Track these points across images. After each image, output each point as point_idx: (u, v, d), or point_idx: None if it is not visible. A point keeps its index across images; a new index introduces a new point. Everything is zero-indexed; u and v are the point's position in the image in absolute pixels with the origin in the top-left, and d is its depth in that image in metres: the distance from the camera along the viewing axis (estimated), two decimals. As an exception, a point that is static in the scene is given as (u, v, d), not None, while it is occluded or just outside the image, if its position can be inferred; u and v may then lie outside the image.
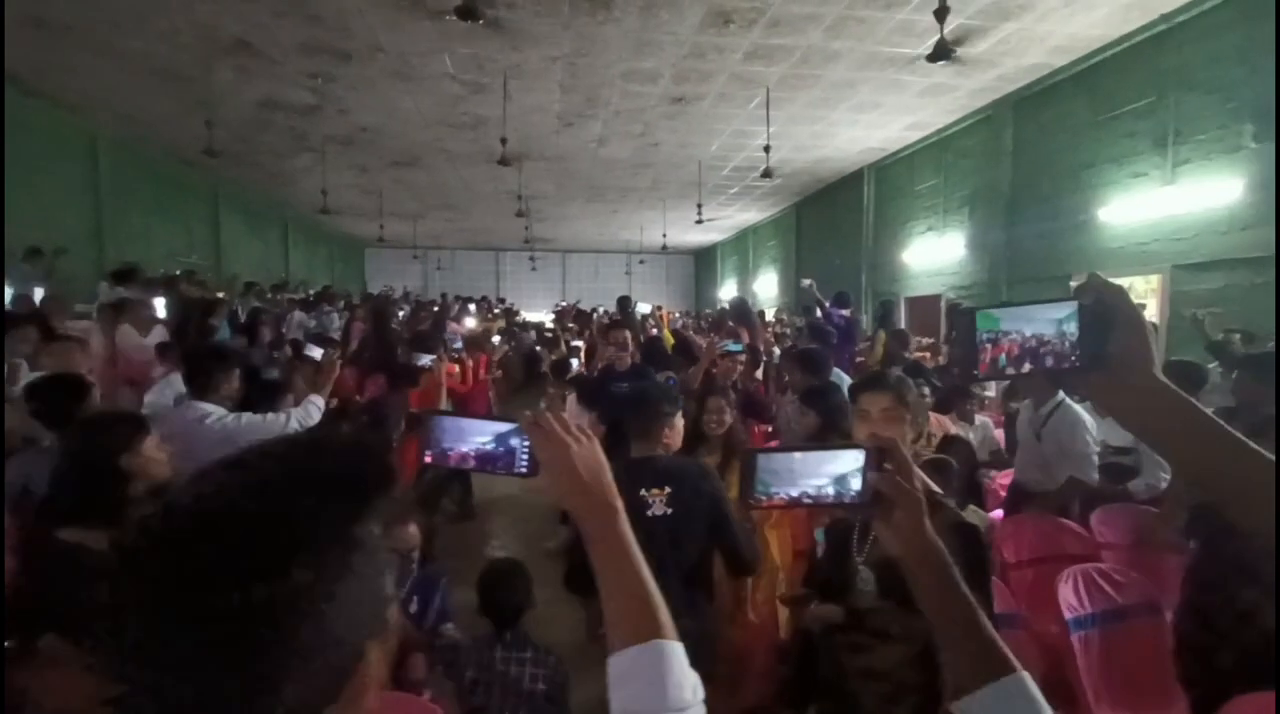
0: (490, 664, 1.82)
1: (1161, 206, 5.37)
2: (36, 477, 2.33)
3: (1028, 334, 0.69)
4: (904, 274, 9.26)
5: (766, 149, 7.36)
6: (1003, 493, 3.26)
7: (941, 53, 3.95)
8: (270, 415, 2.65)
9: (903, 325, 8.54)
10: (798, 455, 0.76)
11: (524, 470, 0.80)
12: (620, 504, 0.80)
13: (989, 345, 0.68)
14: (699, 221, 10.72)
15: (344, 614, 0.46)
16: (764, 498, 0.76)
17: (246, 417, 2.58)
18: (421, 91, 6.74)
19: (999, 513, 2.98)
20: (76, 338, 4.11)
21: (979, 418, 4.01)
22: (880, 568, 1.60)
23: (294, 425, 2.65)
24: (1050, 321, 0.68)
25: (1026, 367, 0.69)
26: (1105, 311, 0.66)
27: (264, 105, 7.16)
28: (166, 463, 1.76)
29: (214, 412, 2.52)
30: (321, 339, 5.20)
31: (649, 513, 1.94)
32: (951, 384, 3.77)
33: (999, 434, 4.23)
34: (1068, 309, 0.67)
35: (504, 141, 6.82)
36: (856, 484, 0.75)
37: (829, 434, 2.51)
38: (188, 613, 0.42)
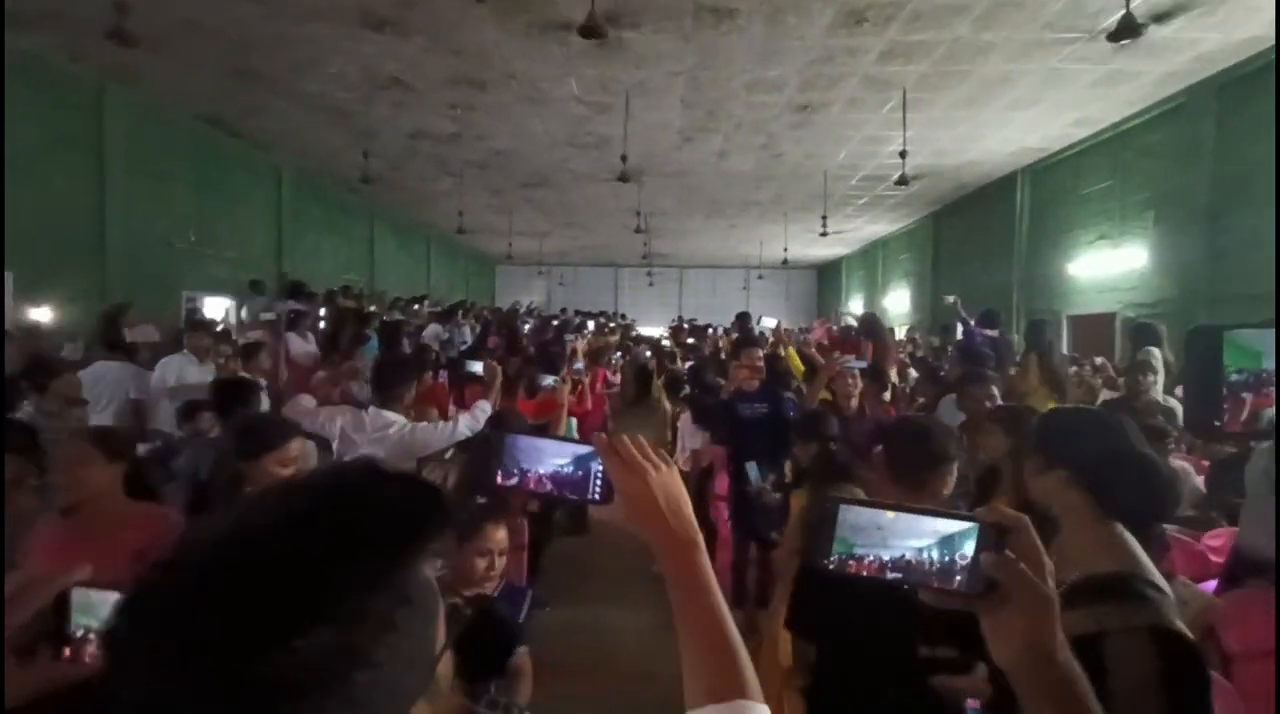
0: None
1: None
2: (203, 466, 2.64)
3: None
4: (1067, 289, 8.13)
5: (903, 155, 6.81)
6: (1214, 557, 2.63)
7: (1127, 30, 3.36)
8: (441, 423, 2.78)
9: (1065, 347, 7.51)
10: (890, 514, 0.60)
11: (598, 497, 0.73)
12: (700, 539, 0.70)
13: (1243, 393, 0.46)
14: (823, 234, 10.21)
15: (384, 678, 0.38)
16: (849, 560, 0.60)
17: (421, 426, 2.73)
18: (549, 114, 7.02)
19: (1212, 584, 2.38)
20: (262, 345, 4.73)
21: (1176, 461, 3.31)
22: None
23: (463, 431, 2.75)
24: None
25: None
26: None
27: (413, 136, 7.85)
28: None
29: (396, 421, 2.68)
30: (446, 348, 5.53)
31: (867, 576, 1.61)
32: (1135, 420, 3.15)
33: (1200, 481, 3.48)
34: None
35: (624, 159, 6.90)
36: (964, 560, 0.58)
37: (1018, 460, 2.14)
38: (187, 683, 0.35)
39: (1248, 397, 0.42)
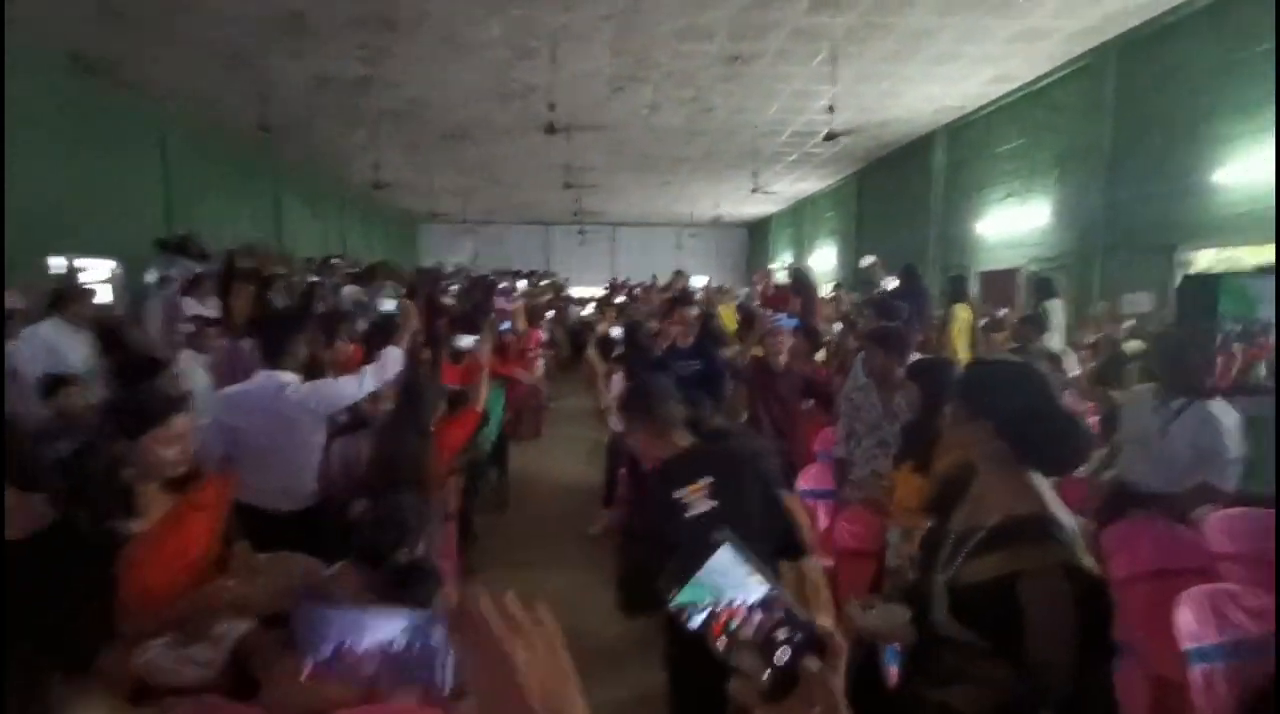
0: None
1: (1297, 163, 4.63)
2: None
3: None
4: (977, 246, 8.56)
5: (830, 110, 6.84)
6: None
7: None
8: (345, 377, 2.55)
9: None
10: (757, 581, 0.54)
11: (446, 685, 0.57)
12: None
13: (1235, 344, 0.42)
14: (754, 191, 10.25)
15: None
16: (690, 606, 0.52)
17: (323, 382, 2.52)
18: (469, 59, 6.56)
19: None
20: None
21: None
22: (957, 589, 1.33)
23: (370, 384, 2.53)
24: None
25: None
26: None
27: (317, 81, 7.16)
28: (176, 459, 1.66)
29: (290, 380, 2.47)
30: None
31: (688, 516, 1.67)
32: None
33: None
34: None
35: (552, 107, 6.58)
36: (790, 644, 0.54)
37: (932, 413, 2.23)
38: None
39: (1239, 348, 0.37)
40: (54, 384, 2.62)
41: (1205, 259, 5.64)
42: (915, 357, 3.29)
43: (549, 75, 6.53)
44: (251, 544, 2.17)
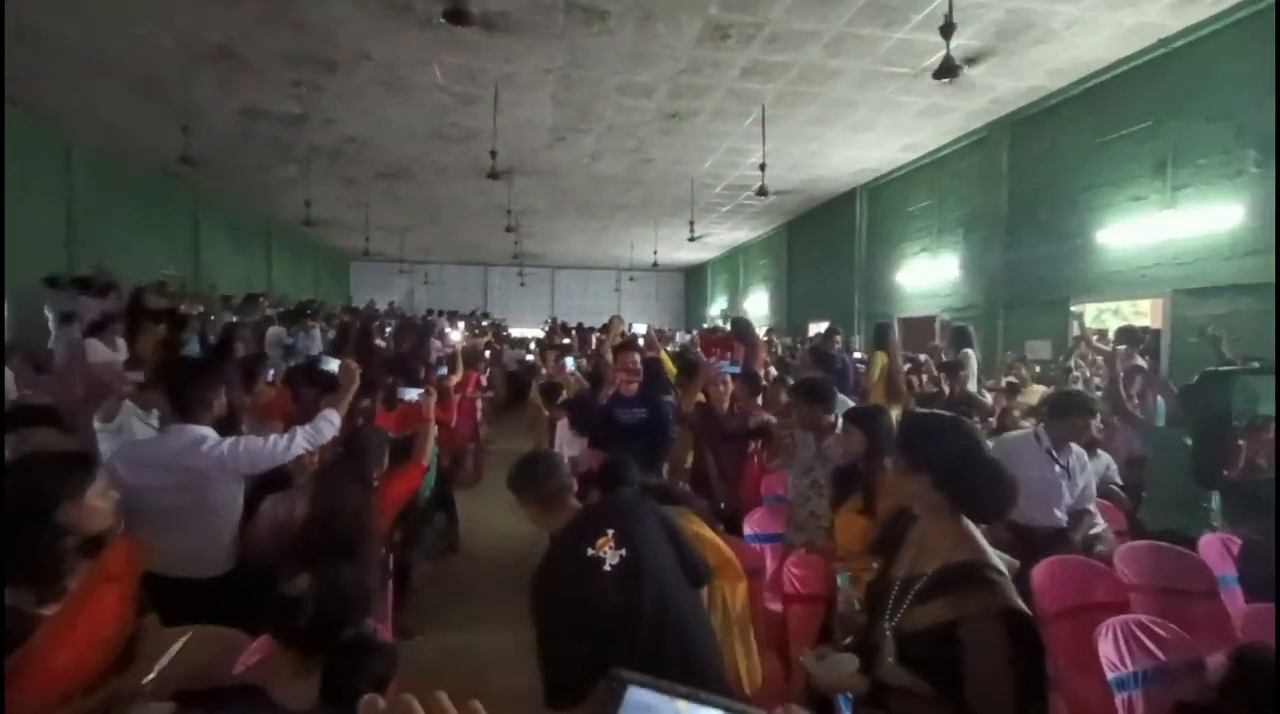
0: None
1: (1161, 230, 5.31)
2: None
3: None
4: (897, 295, 9.18)
5: (762, 167, 7.27)
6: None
7: (948, 70, 3.84)
8: (273, 436, 2.33)
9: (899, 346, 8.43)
10: (683, 704, 0.49)
11: None
12: None
13: (1241, 439, 0.46)
14: (691, 239, 10.60)
15: None
16: None
17: (245, 440, 2.29)
18: (410, 102, 6.57)
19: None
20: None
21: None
22: (903, 636, 1.39)
23: (301, 445, 2.33)
24: None
25: None
26: None
27: (246, 114, 6.94)
28: (110, 512, 1.51)
29: (209, 435, 2.24)
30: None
31: (605, 569, 1.67)
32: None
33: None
34: None
35: (494, 154, 6.65)
36: None
37: (876, 458, 2.33)
38: None
39: (1243, 443, 0.42)
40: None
41: (1092, 311, 6.29)
42: (850, 403, 3.48)
43: (491, 122, 6.61)
44: (161, 617, 1.96)
